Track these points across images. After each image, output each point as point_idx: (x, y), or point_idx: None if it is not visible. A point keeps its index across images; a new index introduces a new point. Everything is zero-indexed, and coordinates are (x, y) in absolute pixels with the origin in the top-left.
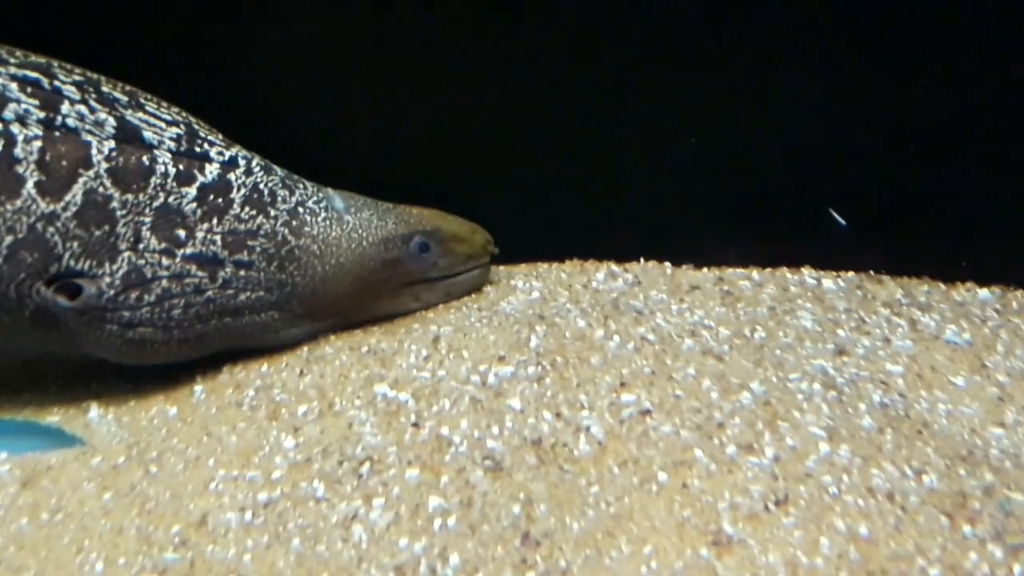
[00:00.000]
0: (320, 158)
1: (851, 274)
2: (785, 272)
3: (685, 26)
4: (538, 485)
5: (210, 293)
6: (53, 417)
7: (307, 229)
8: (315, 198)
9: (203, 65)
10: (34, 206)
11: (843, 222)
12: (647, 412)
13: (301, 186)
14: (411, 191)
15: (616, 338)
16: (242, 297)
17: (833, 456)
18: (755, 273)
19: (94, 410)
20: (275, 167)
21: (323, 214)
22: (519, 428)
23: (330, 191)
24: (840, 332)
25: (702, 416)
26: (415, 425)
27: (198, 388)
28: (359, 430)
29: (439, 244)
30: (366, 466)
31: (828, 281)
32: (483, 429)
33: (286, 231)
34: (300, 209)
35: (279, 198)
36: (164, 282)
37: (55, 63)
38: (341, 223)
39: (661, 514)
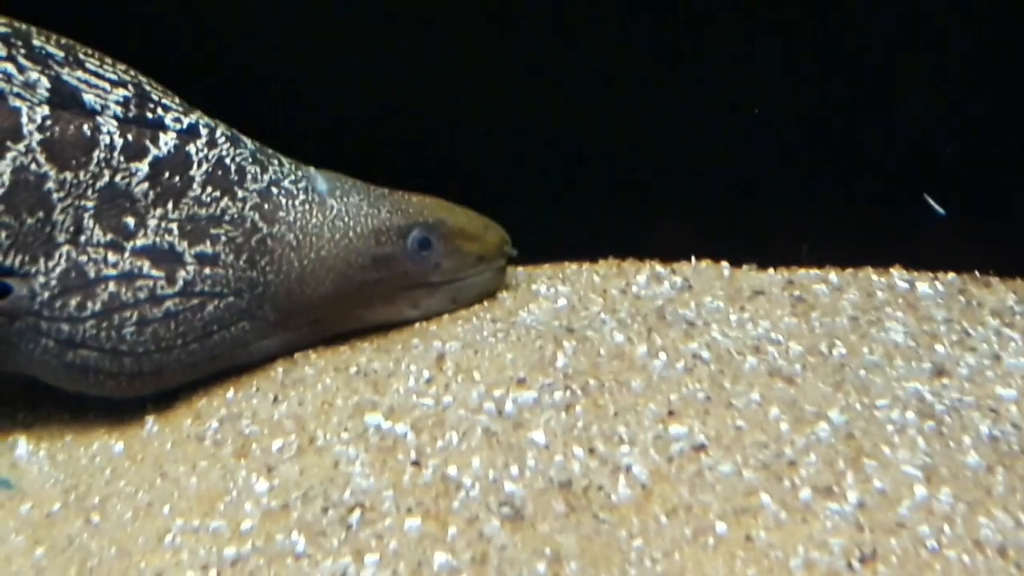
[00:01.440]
0: (309, 138)
1: (951, 275)
2: (870, 273)
3: None
4: (568, 538)
5: (170, 304)
6: None
7: (281, 214)
8: (292, 177)
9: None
10: None
11: (941, 211)
12: (701, 448)
13: (276, 162)
14: (413, 177)
15: (662, 356)
16: (209, 308)
17: (931, 501)
18: (833, 275)
19: (23, 445)
20: (244, 138)
21: (301, 196)
22: (544, 468)
23: (312, 170)
24: (939, 348)
25: (769, 452)
26: (416, 464)
27: (149, 419)
28: (347, 470)
29: (443, 241)
30: (356, 514)
31: (923, 284)
32: (499, 469)
33: (256, 216)
34: (273, 189)
35: (248, 176)
36: (111, 284)
37: None
38: (323, 208)
39: (719, 573)
